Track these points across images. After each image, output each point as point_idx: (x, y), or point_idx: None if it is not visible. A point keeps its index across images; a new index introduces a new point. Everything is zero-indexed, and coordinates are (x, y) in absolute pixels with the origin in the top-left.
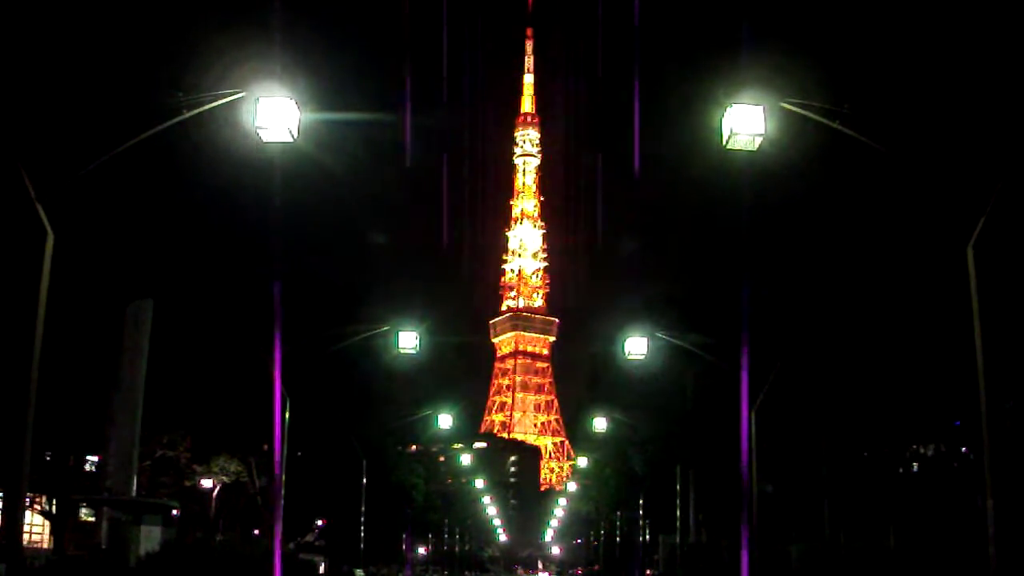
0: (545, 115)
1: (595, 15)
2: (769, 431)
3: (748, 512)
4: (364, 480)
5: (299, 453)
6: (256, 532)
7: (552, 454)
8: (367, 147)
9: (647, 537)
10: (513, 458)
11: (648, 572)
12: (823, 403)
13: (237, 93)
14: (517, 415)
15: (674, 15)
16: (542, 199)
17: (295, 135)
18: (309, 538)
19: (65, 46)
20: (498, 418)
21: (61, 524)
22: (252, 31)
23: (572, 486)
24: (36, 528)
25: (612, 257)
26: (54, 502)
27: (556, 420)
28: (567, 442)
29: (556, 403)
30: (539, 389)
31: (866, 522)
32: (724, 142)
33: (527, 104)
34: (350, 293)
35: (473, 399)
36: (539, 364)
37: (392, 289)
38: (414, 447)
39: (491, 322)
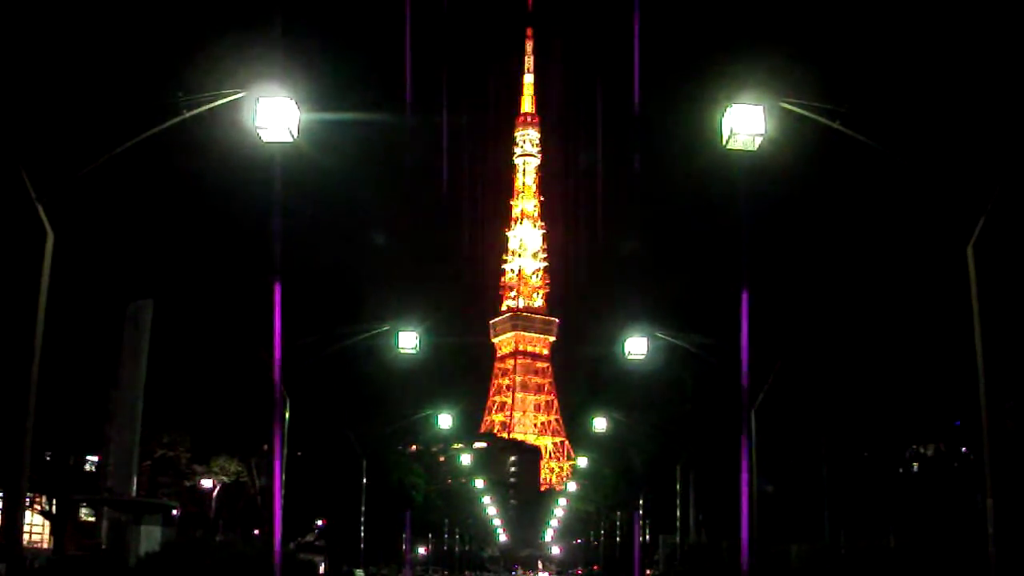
0: (545, 115)
1: (595, 15)
2: (769, 431)
3: (748, 512)
4: (364, 480)
5: (299, 453)
6: (256, 532)
7: (552, 454)
8: (367, 147)
9: (647, 537)
10: (513, 458)
11: (648, 572)
12: (823, 403)
13: (237, 93)
14: (517, 415)
15: (674, 15)
16: (542, 199)
17: (295, 135)
18: (309, 538)
19: (66, 46)
20: (498, 418)
21: (61, 524)
22: (252, 32)
23: (572, 486)
24: (36, 528)
25: (612, 257)
26: (54, 502)
27: (556, 420)
28: (567, 442)
29: (556, 403)
30: (539, 389)
31: (866, 522)
32: (724, 142)
33: (527, 104)
34: (350, 293)
35: (473, 399)
36: (539, 364)
37: (392, 289)
38: (414, 447)
39: (491, 322)
